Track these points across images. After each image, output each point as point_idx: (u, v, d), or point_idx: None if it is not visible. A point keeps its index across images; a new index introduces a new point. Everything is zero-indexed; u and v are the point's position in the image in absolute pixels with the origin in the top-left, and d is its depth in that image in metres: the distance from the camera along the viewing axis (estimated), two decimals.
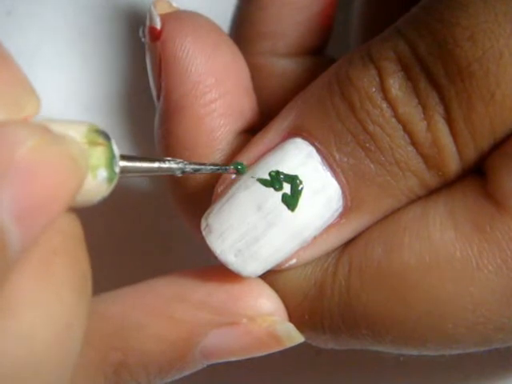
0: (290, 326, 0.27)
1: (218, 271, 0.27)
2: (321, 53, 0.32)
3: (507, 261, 0.25)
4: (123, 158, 0.23)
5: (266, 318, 0.27)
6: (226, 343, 0.27)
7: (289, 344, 0.27)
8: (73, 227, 0.22)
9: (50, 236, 0.21)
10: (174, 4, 0.27)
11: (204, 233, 0.26)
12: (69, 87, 0.38)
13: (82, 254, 0.22)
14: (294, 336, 0.27)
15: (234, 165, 0.26)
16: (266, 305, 0.27)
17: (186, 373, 0.27)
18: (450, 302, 0.25)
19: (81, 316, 0.22)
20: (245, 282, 0.27)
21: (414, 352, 0.27)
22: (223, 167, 0.26)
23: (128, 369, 0.26)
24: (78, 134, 0.22)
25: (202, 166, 0.26)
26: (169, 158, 0.25)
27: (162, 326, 0.26)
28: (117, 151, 0.22)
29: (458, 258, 0.25)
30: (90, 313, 0.23)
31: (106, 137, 0.22)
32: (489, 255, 0.25)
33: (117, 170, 0.22)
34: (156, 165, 0.24)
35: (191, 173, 0.26)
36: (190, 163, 0.25)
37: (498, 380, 0.33)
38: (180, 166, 0.25)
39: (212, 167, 0.26)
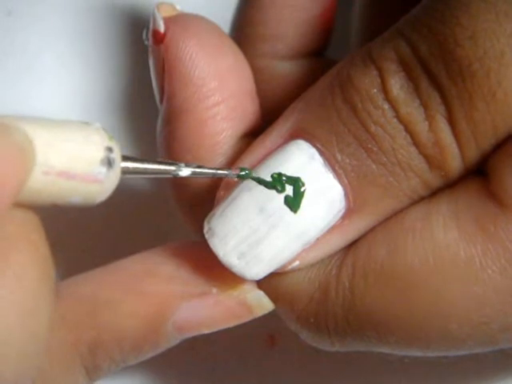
0: (261, 294, 0.27)
1: (185, 246, 0.28)
2: (322, 55, 0.32)
3: (511, 261, 0.25)
4: (125, 159, 0.23)
5: (236, 287, 0.27)
6: (197, 315, 0.27)
7: (260, 313, 0.27)
8: (26, 213, 0.22)
9: (4, 223, 0.21)
10: (178, 7, 0.27)
11: (207, 236, 0.26)
12: (70, 88, 0.38)
13: (39, 238, 0.22)
14: (264, 304, 0.27)
15: (237, 169, 0.26)
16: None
17: (161, 349, 0.27)
18: (455, 302, 0.25)
19: (44, 300, 0.22)
20: (212, 254, 0.27)
21: (419, 353, 0.27)
22: (225, 171, 0.26)
23: (102, 347, 0.26)
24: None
25: (204, 170, 0.26)
26: (170, 161, 0.25)
27: (133, 302, 0.27)
28: (119, 151, 0.23)
29: (462, 258, 0.25)
30: (55, 295, 0.23)
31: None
32: (493, 255, 0.25)
33: (118, 171, 0.22)
34: (156, 167, 0.24)
35: (191, 176, 0.25)
36: (192, 166, 0.25)
37: (498, 380, 0.33)
38: (181, 168, 0.25)
39: (213, 171, 0.26)
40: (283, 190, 0.26)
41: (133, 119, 0.38)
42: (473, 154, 0.25)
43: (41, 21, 0.39)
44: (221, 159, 0.28)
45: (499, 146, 0.25)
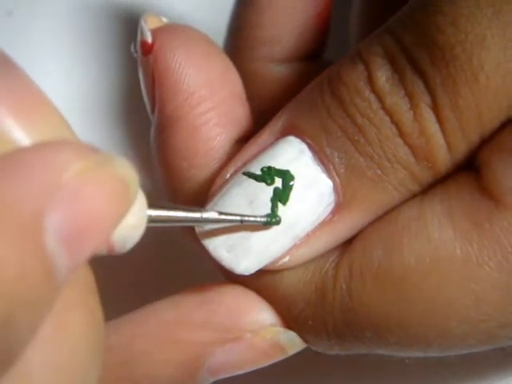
0: (293, 334, 0.27)
1: (217, 288, 0.27)
2: (318, 58, 0.32)
3: (508, 257, 0.24)
4: (152, 206, 0.22)
5: (269, 330, 0.27)
6: (232, 359, 0.27)
7: (292, 352, 0.28)
8: (87, 277, 0.21)
9: (66, 289, 0.19)
10: (164, 19, 0.28)
11: (197, 231, 0.27)
12: (69, 89, 0.39)
13: (96, 306, 0.21)
14: (297, 343, 0.27)
15: (267, 216, 0.26)
16: (268, 317, 0.27)
17: None
18: (453, 300, 0.25)
19: (95, 370, 0.21)
20: (244, 296, 0.27)
21: (420, 354, 0.26)
22: (255, 218, 0.26)
23: None
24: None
25: (228, 217, 0.26)
26: (196, 208, 0.25)
27: (167, 351, 0.27)
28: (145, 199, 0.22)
29: (459, 256, 0.25)
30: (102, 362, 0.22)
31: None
32: (489, 252, 0.24)
33: (145, 219, 0.21)
34: (183, 214, 0.24)
35: (216, 221, 0.25)
36: (221, 213, 0.25)
37: (499, 379, 0.32)
38: (210, 215, 0.25)
39: (239, 217, 0.26)
40: (272, 182, 0.26)
41: (133, 119, 0.38)
42: (459, 143, 0.25)
43: (41, 21, 0.40)
44: (216, 164, 0.28)
45: (489, 140, 0.25)
